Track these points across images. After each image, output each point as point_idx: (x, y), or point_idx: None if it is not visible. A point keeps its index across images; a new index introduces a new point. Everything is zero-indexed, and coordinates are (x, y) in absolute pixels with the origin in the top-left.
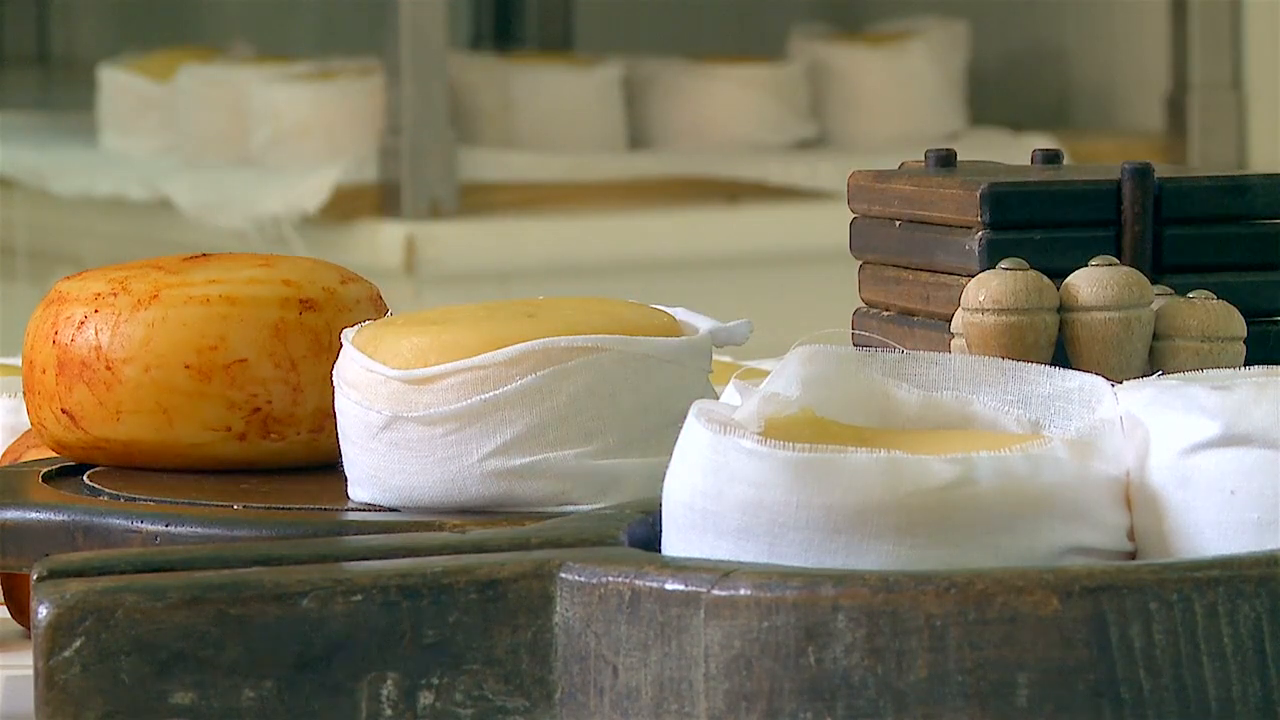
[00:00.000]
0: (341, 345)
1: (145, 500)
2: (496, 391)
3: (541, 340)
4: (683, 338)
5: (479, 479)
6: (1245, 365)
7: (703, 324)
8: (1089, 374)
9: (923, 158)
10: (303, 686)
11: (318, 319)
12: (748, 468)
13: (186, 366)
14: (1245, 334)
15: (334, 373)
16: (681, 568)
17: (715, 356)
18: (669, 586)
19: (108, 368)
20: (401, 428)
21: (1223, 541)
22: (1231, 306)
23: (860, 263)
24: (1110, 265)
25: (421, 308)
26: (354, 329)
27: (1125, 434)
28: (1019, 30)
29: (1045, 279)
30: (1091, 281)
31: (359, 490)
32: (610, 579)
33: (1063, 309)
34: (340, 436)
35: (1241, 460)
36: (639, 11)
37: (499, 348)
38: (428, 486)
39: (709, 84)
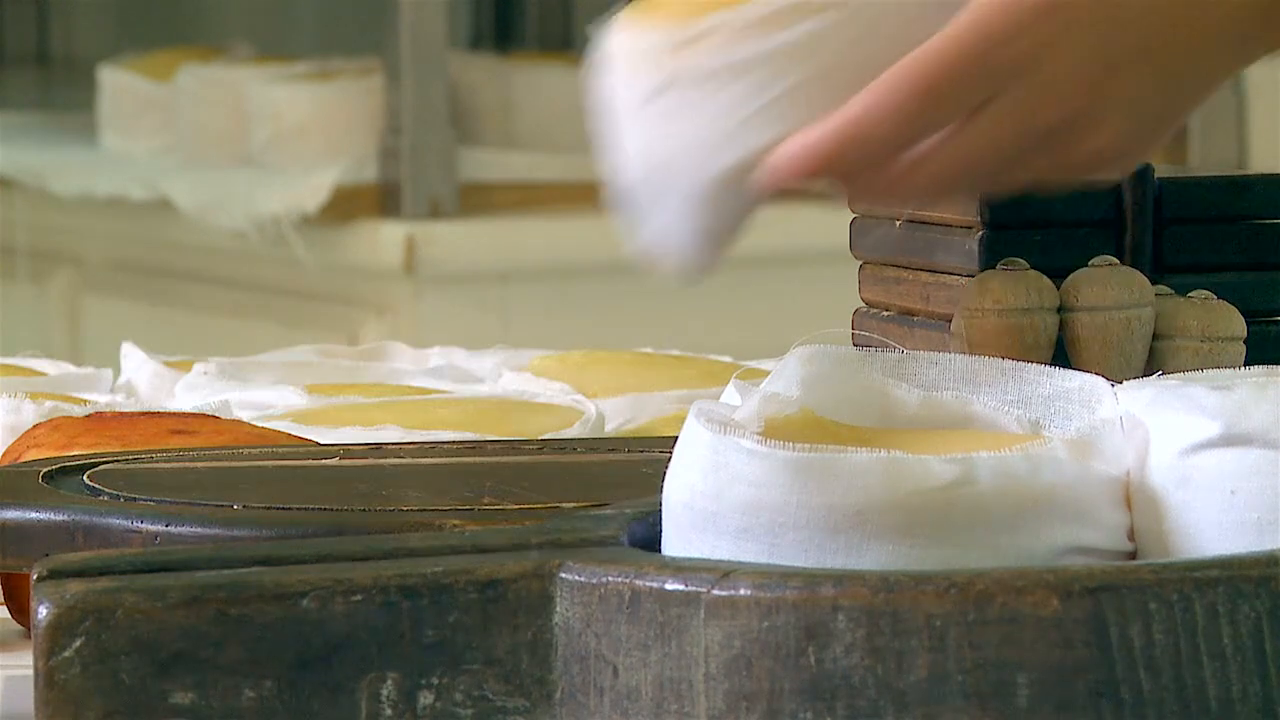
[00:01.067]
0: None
1: (145, 500)
2: (771, 41)
3: None
4: None
5: (751, 129)
6: (1245, 365)
7: None
8: (1089, 374)
9: None
10: (303, 686)
11: None
12: (748, 468)
13: None
14: (1245, 334)
15: (600, 60)
16: (681, 568)
17: (715, 357)
18: (669, 586)
19: None
20: (675, 90)
21: (1223, 541)
22: (1231, 306)
23: (860, 263)
24: (1110, 265)
25: (421, 308)
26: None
27: (1125, 434)
28: None
29: (1045, 279)
30: (1091, 281)
31: (628, 168)
32: (610, 579)
33: (1063, 309)
34: (607, 125)
35: (1241, 460)
36: None
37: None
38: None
39: None
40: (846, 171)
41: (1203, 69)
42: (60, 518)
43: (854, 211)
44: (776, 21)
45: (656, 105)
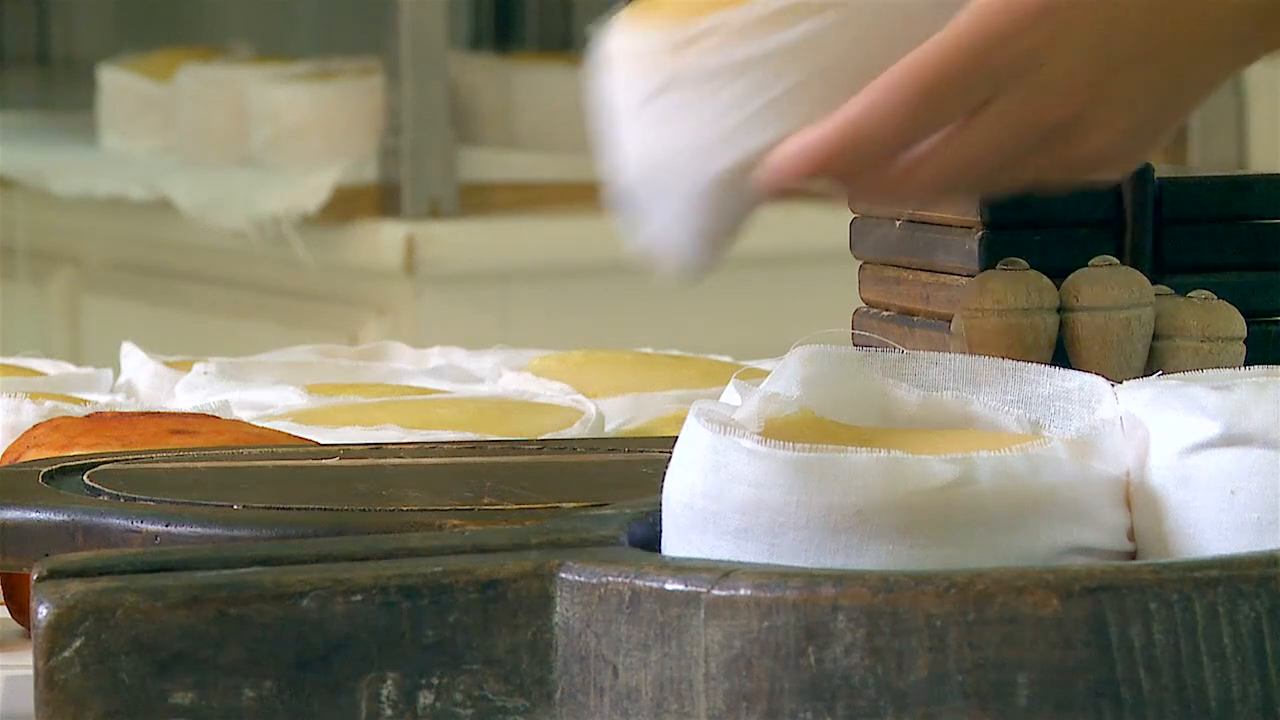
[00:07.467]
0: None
1: (145, 500)
2: (769, 40)
3: None
4: None
5: (750, 130)
6: (1245, 365)
7: None
8: (1089, 374)
9: None
10: (303, 686)
11: None
12: (748, 468)
13: None
14: (1245, 334)
15: (600, 60)
16: (681, 568)
17: (715, 357)
18: (669, 586)
19: None
20: (674, 91)
21: (1223, 541)
22: (1231, 306)
23: (860, 263)
24: (1110, 265)
25: (421, 308)
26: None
27: (1125, 434)
28: None
29: (1045, 279)
30: (1091, 281)
31: (628, 169)
32: (610, 579)
33: (1063, 309)
34: (607, 125)
35: (1241, 460)
36: None
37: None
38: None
39: None
40: (846, 172)
41: (1202, 69)
42: (60, 518)
43: (854, 211)
44: (776, 21)
45: (656, 106)
